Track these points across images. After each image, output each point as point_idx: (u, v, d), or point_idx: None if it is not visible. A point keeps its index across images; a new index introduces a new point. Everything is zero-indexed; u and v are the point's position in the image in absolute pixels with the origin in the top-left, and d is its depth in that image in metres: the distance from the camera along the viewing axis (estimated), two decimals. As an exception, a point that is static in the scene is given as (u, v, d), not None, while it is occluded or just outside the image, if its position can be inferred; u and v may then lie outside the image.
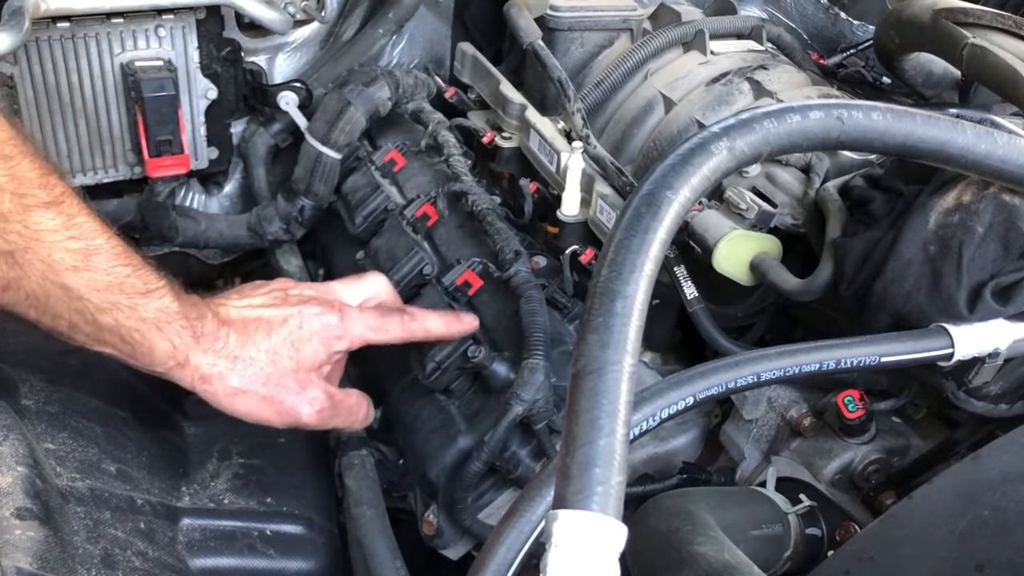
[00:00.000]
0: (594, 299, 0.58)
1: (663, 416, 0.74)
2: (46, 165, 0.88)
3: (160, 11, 1.34)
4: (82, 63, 1.33)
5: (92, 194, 1.44)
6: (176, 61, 1.39)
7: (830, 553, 0.94)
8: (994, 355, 0.84)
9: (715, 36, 1.32)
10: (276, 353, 1.00)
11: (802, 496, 0.97)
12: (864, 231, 0.92)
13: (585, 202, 1.20)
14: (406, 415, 1.16)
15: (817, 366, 0.80)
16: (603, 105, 1.33)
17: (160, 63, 1.36)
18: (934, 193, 0.88)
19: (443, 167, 1.37)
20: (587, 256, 1.16)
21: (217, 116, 1.47)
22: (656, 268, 0.60)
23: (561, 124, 1.32)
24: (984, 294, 0.84)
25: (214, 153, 1.50)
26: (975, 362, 0.85)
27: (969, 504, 0.68)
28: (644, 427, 0.73)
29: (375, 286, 1.13)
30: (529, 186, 1.30)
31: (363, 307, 1.09)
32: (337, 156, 1.44)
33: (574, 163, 1.19)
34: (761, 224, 1.02)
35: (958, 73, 1.26)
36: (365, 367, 1.33)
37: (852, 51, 1.48)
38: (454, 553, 1.09)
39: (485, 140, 1.38)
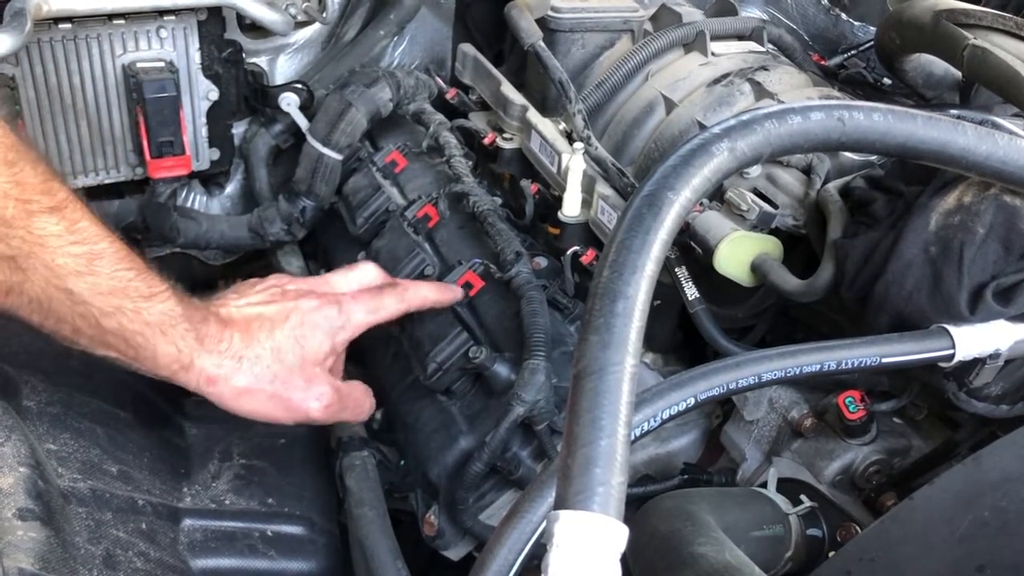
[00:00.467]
0: (595, 300, 0.58)
1: (664, 417, 0.74)
2: (48, 170, 0.88)
3: (162, 12, 1.35)
4: (84, 64, 1.33)
5: (93, 195, 1.44)
6: (178, 62, 1.39)
7: (831, 554, 0.94)
8: (995, 356, 0.84)
9: (716, 37, 1.32)
10: (280, 350, 1.00)
11: (803, 497, 0.97)
12: (865, 232, 0.92)
13: (586, 203, 1.20)
14: (407, 416, 1.16)
15: (818, 367, 0.80)
16: (604, 106, 1.33)
17: (162, 64, 1.36)
18: (935, 194, 0.88)
19: (444, 168, 1.37)
20: (588, 257, 1.16)
21: (218, 117, 1.48)
22: (657, 269, 0.60)
23: (562, 125, 1.32)
24: (985, 295, 0.84)
25: (215, 154, 1.50)
26: (976, 363, 0.85)
27: (970, 505, 0.68)
28: (645, 428, 0.73)
29: (367, 275, 1.14)
30: (530, 187, 1.30)
31: (357, 293, 1.10)
32: (338, 157, 1.44)
33: (575, 164, 1.19)
34: (762, 225, 1.02)
35: (959, 74, 1.26)
36: (367, 368, 1.33)
37: (853, 52, 1.48)
38: (455, 554, 1.09)
39: (486, 141, 1.38)
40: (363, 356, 1.36)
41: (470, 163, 1.37)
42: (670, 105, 1.26)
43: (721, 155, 0.65)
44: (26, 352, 1.01)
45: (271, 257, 1.56)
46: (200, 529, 0.99)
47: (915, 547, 0.70)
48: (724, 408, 1.12)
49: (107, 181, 1.44)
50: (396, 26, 1.58)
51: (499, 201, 1.30)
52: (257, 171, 1.57)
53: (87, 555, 0.84)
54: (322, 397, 1.02)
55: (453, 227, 1.30)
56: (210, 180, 1.60)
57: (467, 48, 1.52)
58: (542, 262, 1.21)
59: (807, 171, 1.07)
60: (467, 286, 1.19)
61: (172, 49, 1.38)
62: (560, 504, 0.51)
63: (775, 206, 1.04)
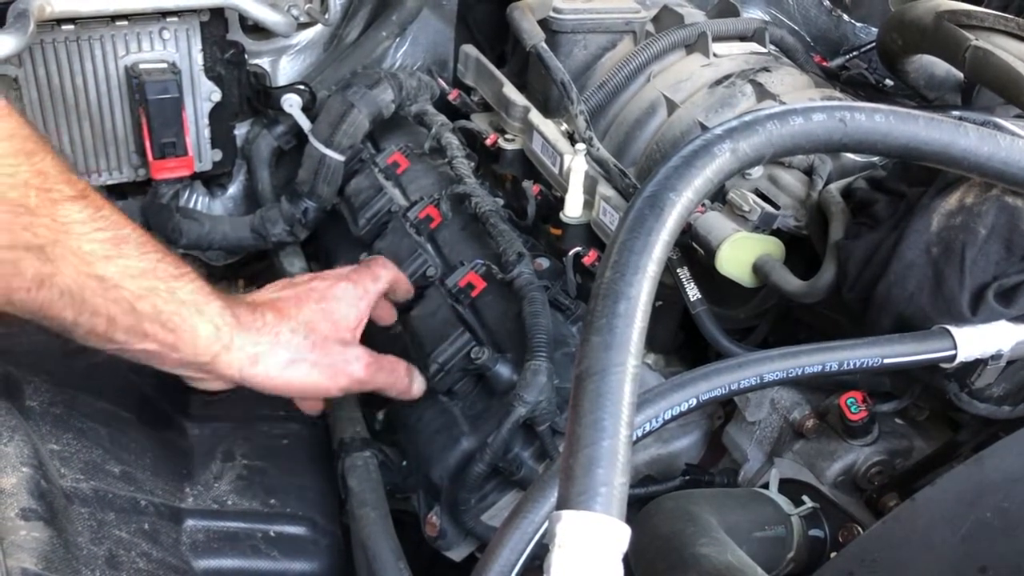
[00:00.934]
0: (597, 300, 0.58)
1: (666, 418, 0.74)
2: (65, 161, 0.88)
3: (164, 13, 1.35)
4: (87, 65, 1.34)
5: (96, 196, 1.44)
6: (180, 63, 1.39)
7: (833, 555, 0.94)
8: (997, 357, 0.84)
9: (718, 38, 1.32)
10: (312, 322, 1.02)
11: (805, 498, 0.97)
12: (867, 233, 0.92)
13: (588, 204, 1.20)
14: (409, 417, 1.16)
15: (820, 368, 0.80)
16: (606, 107, 1.33)
17: (164, 65, 1.37)
18: (937, 195, 0.88)
19: (446, 169, 1.37)
20: (590, 258, 1.17)
21: (221, 118, 1.48)
22: (659, 270, 0.60)
23: (564, 126, 1.32)
24: (987, 296, 0.84)
25: (218, 155, 1.51)
26: (978, 364, 0.85)
27: (972, 506, 0.68)
28: (647, 429, 0.73)
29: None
30: (532, 188, 1.30)
31: (351, 271, 1.13)
32: (340, 158, 1.44)
33: (577, 165, 1.19)
34: (764, 226, 1.02)
35: (961, 75, 1.26)
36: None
37: (855, 53, 1.48)
38: (457, 554, 1.09)
39: (488, 142, 1.38)
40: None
41: (472, 164, 1.37)
42: (672, 106, 1.26)
43: (723, 156, 0.66)
44: (30, 352, 1.01)
45: (273, 258, 1.56)
46: (202, 529, 1.00)
47: (917, 548, 0.70)
48: (726, 409, 1.12)
49: (110, 182, 1.44)
50: (398, 27, 1.58)
51: (501, 202, 1.30)
52: (259, 172, 1.57)
53: (90, 555, 0.84)
54: (360, 357, 1.04)
55: (455, 228, 1.30)
56: (212, 181, 1.60)
57: (469, 49, 1.52)
58: (544, 263, 1.21)
59: (809, 172, 1.08)
60: (469, 287, 1.19)
61: (175, 50, 1.38)
62: (562, 504, 0.51)
63: (777, 207, 1.04)
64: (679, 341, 1.20)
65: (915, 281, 0.87)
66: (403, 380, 1.10)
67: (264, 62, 1.56)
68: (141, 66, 1.35)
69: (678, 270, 1.06)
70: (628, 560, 0.51)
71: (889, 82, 1.39)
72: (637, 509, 0.89)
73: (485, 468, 1.01)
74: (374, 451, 1.16)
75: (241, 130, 1.57)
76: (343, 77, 1.53)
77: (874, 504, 0.95)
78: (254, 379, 0.98)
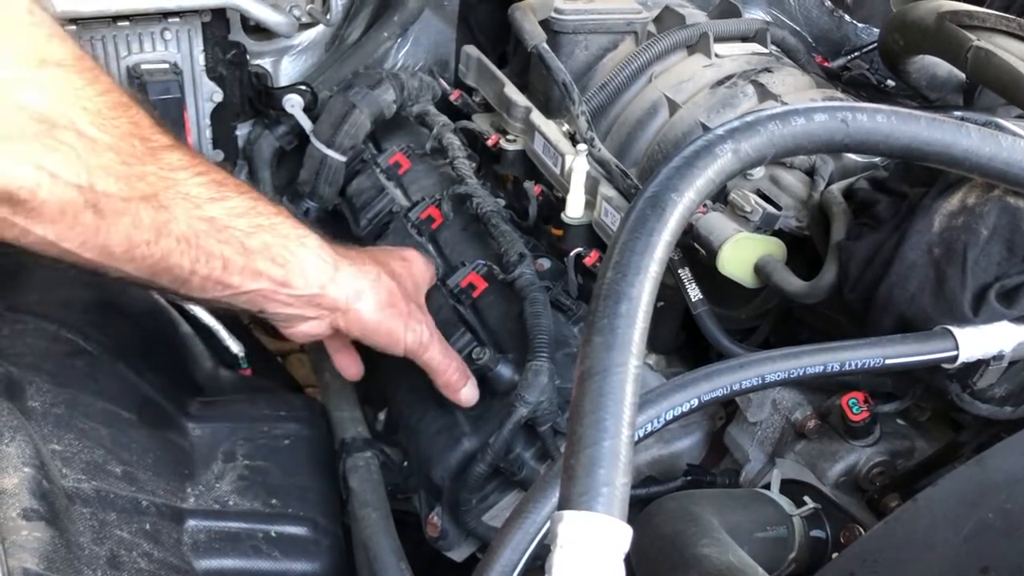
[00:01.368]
0: (599, 301, 0.58)
1: (668, 418, 0.74)
2: (152, 111, 0.88)
3: (166, 14, 1.35)
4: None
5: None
6: (182, 64, 1.39)
7: (834, 555, 0.94)
8: (999, 357, 0.84)
9: (719, 39, 1.32)
10: (399, 275, 1.06)
11: (806, 498, 0.97)
12: (868, 234, 0.92)
13: (589, 204, 1.20)
14: (410, 417, 1.16)
15: (822, 368, 0.80)
16: (607, 108, 1.33)
17: (166, 66, 1.37)
18: (938, 196, 0.88)
19: (448, 169, 1.37)
20: (591, 259, 1.17)
21: (222, 119, 1.48)
22: (661, 270, 0.60)
23: (565, 127, 1.32)
24: (988, 296, 0.84)
25: (219, 156, 1.51)
26: (980, 364, 0.85)
27: (974, 506, 0.68)
28: (649, 429, 0.73)
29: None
30: (533, 188, 1.31)
31: None
32: (342, 159, 1.44)
33: (578, 165, 1.19)
34: (765, 226, 1.02)
35: (962, 76, 1.26)
36: (370, 369, 1.33)
37: (856, 54, 1.48)
38: (458, 555, 1.09)
39: (489, 143, 1.38)
40: (367, 357, 1.36)
41: (473, 165, 1.37)
42: (673, 107, 1.26)
43: (725, 156, 0.65)
44: (31, 353, 1.01)
45: (275, 258, 1.56)
46: (204, 530, 1.00)
47: (919, 549, 0.70)
48: (727, 409, 1.12)
49: (111, 182, 1.44)
50: (400, 28, 1.58)
51: (502, 203, 1.30)
52: (261, 173, 1.57)
53: (91, 555, 0.84)
54: (431, 324, 1.07)
55: (456, 228, 1.30)
56: (214, 182, 1.60)
57: (471, 50, 1.52)
58: (545, 263, 1.21)
59: (810, 173, 1.07)
60: (471, 287, 1.19)
61: (176, 51, 1.39)
62: (564, 505, 0.51)
63: (778, 208, 1.04)
64: (680, 342, 1.20)
65: (917, 282, 0.87)
66: (457, 371, 1.08)
67: (266, 62, 1.57)
68: (143, 66, 1.35)
69: (679, 270, 1.06)
70: (630, 560, 0.51)
71: (891, 83, 1.38)
72: (639, 510, 0.89)
73: (486, 468, 1.01)
74: (375, 451, 1.16)
75: (243, 131, 1.57)
76: (345, 77, 1.53)
77: (876, 505, 0.95)
78: (357, 315, 1.00)
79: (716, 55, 1.30)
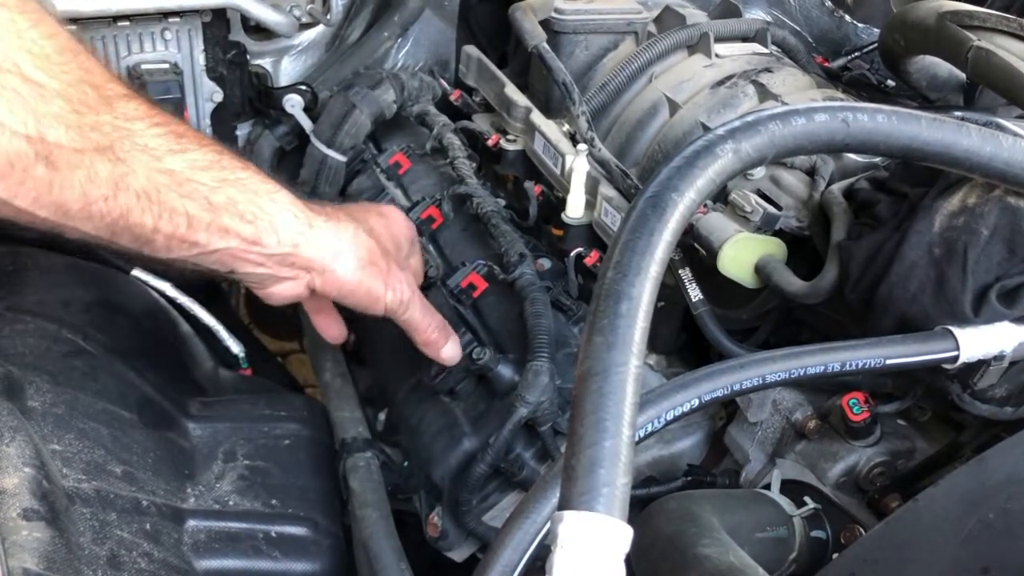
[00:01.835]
0: (599, 301, 0.58)
1: (668, 418, 0.74)
2: (101, 60, 0.81)
3: (166, 14, 1.35)
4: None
5: (98, 196, 1.44)
6: (182, 64, 1.39)
7: (835, 556, 0.94)
8: (999, 358, 0.84)
9: (720, 39, 1.32)
10: (377, 232, 1.01)
11: (807, 499, 0.97)
12: (869, 234, 0.92)
13: (590, 205, 1.20)
14: (411, 417, 1.16)
15: (822, 368, 0.80)
16: (608, 108, 1.33)
17: (166, 66, 1.37)
18: (939, 196, 0.88)
19: (448, 170, 1.37)
20: (592, 259, 1.16)
21: (223, 119, 1.48)
22: (661, 270, 0.60)
23: (566, 127, 1.32)
24: (989, 297, 0.84)
25: (219, 156, 1.51)
26: (980, 365, 0.85)
27: (974, 507, 0.68)
28: (649, 429, 0.73)
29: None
30: (534, 189, 1.30)
31: None
32: (342, 159, 1.44)
33: (579, 166, 1.19)
34: (766, 227, 1.02)
35: (963, 76, 1.26)
36: (371, 370, 1.33)
37: (857, 54, 1.48)
38: (459, 555, 1.09)
39: (490, 143, 1.38)
40: (367, 358, 1.36)
41: (474, 165, 1.37)
42: (674, 107, 1.26)
43: (725, 156, 0.65)
44: (31, 353, 1.01)
45: (275, 258, 1.56)
46: (204, 530, 1.00)
47: (919, 549, 0.70)
48: (728, 410, 1.12)
49: (111, 182, 1.44)
50: (400, 28, 1.58)
51: (503, 203, 1.30)
52: (261, 173, 1.57)
53: (91, 555, 0.84)
54: (411, 282, 1.02)
55: (457, 229, 1.30)
56: (214, 182, 1.60)
57: (471, 50, 1.52)
58: (546, 264, 1.21)
59: (811, 173, 1.07)
60: (471, 287, 1.19)
61: (176, 51, 1.39)
62: (564, 505, 0.51)
63: (779, 208, 1.04)
64: (681, 342, 1.20)
65: (917, 282, 0.87)
66: (437, 329, 1.04)
67: (266, 62, 1.56)
68: (143, 66, 1.35)
69: (680, 271, 1.06)
70: (630, 561, 0.51)
71: (891, 83, 1.38)
72: (639, 510, 0.89)
73: (487, 469, 1.01)
74: (376, 452, 1.16)
75: (243, 131, 1.57)
76: (345, 77, 1.53)
77: (876, 505, 0.95)
78: (334, 275, 0.94)
79: (716, 55, 1.30)
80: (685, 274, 1.06)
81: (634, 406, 0.54)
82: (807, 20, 1.57)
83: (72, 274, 1.18)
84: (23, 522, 0.78)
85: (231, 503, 1.04)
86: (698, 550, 0.77)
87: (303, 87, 1.51)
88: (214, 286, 1.67)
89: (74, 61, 0.77)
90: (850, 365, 0.80)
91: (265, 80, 1.56)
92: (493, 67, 1.46)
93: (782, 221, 1.03)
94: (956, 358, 0.82)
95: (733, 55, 1.31)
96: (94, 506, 0.89)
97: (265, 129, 1.57)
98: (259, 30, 1.50)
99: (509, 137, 1.38)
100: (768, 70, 1.25)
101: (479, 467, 1.01)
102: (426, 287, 1.24)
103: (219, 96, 1.45)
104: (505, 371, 1.08)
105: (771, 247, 1.00)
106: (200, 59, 1.41)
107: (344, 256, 0.95)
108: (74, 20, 1.29)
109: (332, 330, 1.12)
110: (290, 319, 1.47)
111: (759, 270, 0.99)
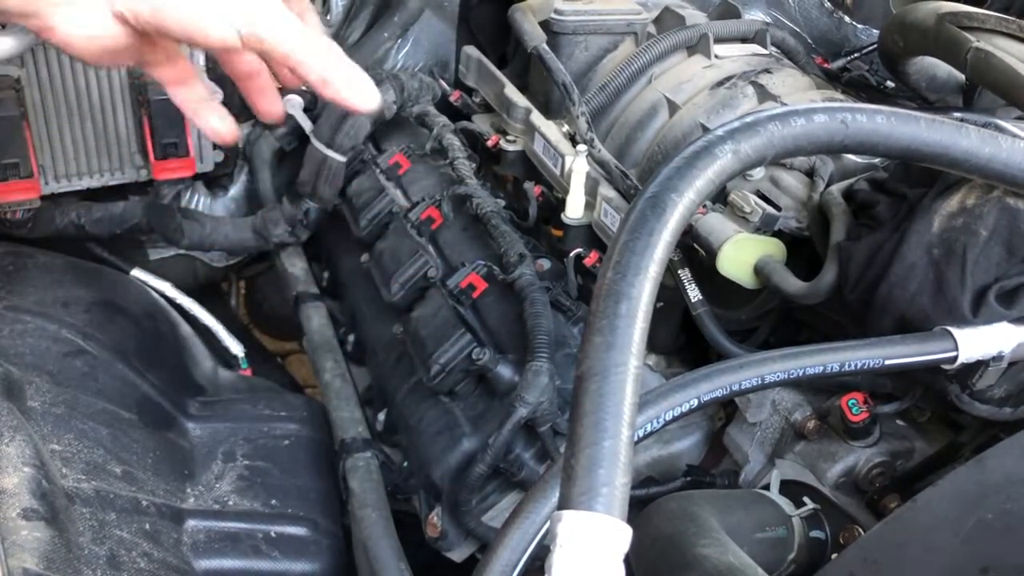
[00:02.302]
0: (599, 301, 0.58)
1: (667, 418, 0.74)
2: None
3: (166, 14, 1.35)
4: (89, 66, 1.34)
5: (98, 196, 1.44)
6: (182, 64, 1.39)
7: (834, 556, 0.94)
8: (998, 358, 0.84)
9: (719, 40, 1.32)
10: None
11: (806, 499, 0.97)
12: (868, 234, 0.92)
13: (589, 205, 1.20)
14: (410, 417, 1.16)
15: (821, 369, 0.80)
16: (607, 109, 1.33)
17: (166, 66, 1.37)
18: (938, 196, 0.88)
19: (448, 170, 1.37)
20: (591, 259, 1.17)
21: (223, 119, 1.48)
22: (661, 270, 0.60)
23: (565, 128, 1.32)
24: (988, 297, 0.84)
25: (219, 156, 1.51)
26: (979, 365, 0.85)
27: (973, 507, 0.68)
28: (648, 429, 0.73)
29: None
30: (533, 189, 1.31)
31: None
32: (342, 159, 1.44)
33: (578, 166, 1.19)
34: (765, 227, 1.02)
35: (962, 77, 1.26)
36: (370, 371, 1.33)
37: (856, 55, 1.48)
38: (458, 555, 1.09)
39: (490, 143, 1.39)
40: (367, 358, 1.36)
41: (473, 165, 1.37)
42: (673, 108, 1.26)
43: (725, 157, 0.65)
44: (31, 353, 1.01)
45: (274, 259, 1.56)
46: (204, 530, 1.00)
47: (918, 549, 0.70)
48: (727, 410, 1.12)
49: (112, 183, 1.44)
50: (400, 29, 1.58)
51: (502, 203, 1.31)
52: (261, 173, 1.57)
53: (91, 555, 0.84)
54: None
55: (456, 229, 1.30)
56: (214, 182, 1.60)
57: (471, 51, 1.52)
58: (545, 264, 1.21)
59: (810, 173, 1.08)
60: (470, 287, 1.19)
61: (177, 51, 1.38)
62: (563, 504, 0.51)
63: (778, 208, 1.04)
64: (680, 342, 1.20)
65: (916, 282, 0.87)
66: (323, 52, 0.74)
67: (266, 63, 1.56)
68: (143, 67, 1.35)
69: (679, 271, 1.06)
70: (629, 560, 0.51)
71: (890, 84, 1.39)
72: (638, 510, 0.89)
73: (486, 469, 1.01)
74: (375, 452, 1.16)
75: (243, 131, 1.57)
76: (345, 78, 1.53)
77: (875, 505, 0.95)
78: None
79: (716, 56, 1.30)
80: (684, 274, 1.06)
81: (633, 406, 0.54)
82: (806, 21, 1.57)
83: (72, 274, 1.18)
84: (23, 522, 0.78)
85: (231, 503, 1.04)
86: (697, 550, 0.77)
87: (303, 87, 1.51)
88: (215, 287, 1.67)
89: None
90: (849, 365, 0.80)
91: (265, 80, 1.56)
92: (493, 68, 1.46)
93: (781, 222, 1.03)
94: (955, 358, 0.82)
95: (732, 56, 1.31)
96: (94, 506, 0.89)
97: (265, 130, 1.57)
98: (259, 30, 1.50)
99: (509, 138, 1.38)
100: (767, 71, 1.25)
101: (479, 467, 1.01)
102: (426, 288, 1.24)
103: (219, 96, 1.45)
104: (505, 371, 1.08)
105: (770, 248, 1.00)
106: (200, 59, 1.41)
107: None
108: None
109: (210, 118, 0.80)
110: (290, 319, 1.47)
111: (758, 271, 0.99)
